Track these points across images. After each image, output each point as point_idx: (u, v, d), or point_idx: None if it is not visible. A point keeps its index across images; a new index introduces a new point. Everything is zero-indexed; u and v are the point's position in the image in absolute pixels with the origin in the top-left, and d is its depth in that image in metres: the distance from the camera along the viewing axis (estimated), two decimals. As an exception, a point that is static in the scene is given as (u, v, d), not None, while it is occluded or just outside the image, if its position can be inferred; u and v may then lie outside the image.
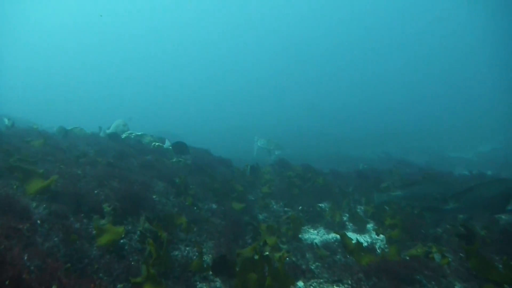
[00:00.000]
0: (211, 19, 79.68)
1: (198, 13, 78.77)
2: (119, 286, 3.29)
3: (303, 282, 4.28)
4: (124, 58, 78.45)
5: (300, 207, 7.52)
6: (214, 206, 6.84)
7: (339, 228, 7.13)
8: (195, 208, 6.08)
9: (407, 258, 4.42)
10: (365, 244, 6.05)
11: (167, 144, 9.15)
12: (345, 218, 7.35)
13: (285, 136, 32.19)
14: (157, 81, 76.61)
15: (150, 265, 3.21)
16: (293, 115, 46.89)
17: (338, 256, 5.20)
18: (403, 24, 65.57)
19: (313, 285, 4.24)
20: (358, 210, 7.80)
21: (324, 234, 6.99)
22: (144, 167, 6.99)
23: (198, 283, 3.88)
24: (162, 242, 3.79)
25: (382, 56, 67.93)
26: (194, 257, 4.36)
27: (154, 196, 5.84)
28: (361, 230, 6.97)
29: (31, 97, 57.39)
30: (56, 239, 3.49)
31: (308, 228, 7.16)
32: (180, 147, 8.51)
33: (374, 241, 6.30)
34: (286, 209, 8.05)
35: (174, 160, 8.24)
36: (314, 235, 6.98)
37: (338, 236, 6.56)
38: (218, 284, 3.93)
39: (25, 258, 2.55)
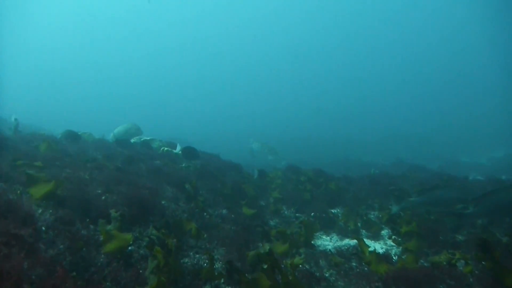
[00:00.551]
0: (217, 20, 79.55)
1: (204, 11, 78.55)
2: (126, 295, 3.15)
3: (318, 291, 4.11)
4: (128, 59, 78.36)
5: (312, 214, 7.32)
6: (224, 212, 6.70)
7: (353, 234, 6.94)
8: (205, 214, 5.93)
9: (427, 265, 4.22)
10: (380, 251, 5.87)
11: (178, 148, 9.03)
12: (358, 224, 7.14)
13: (294, 142, 32.08)
14: (164, 83, 76.42)
15: (158, 273, 3.07)
16: (300, 119, 46.64)
17: (353, 263, 5.01)
18: (412, 23, 64.87)
19: (329, 294, 4.07)
20: (372, 216, 7.60)
21: (337, 241, 6.81)
22: (153, 172, 6.87)
23: (209, 292, 3.73)
24: (171, 249, 3.65)
25: (390, 58, 67.35)
26: (205, 264, 4.21)
27: (163, 202, 5.71)
28: (375, 237, 6.76)
29: (34, 100, 57.38)
30: (61, 246, 3.36)
31: (321, 234, 6.98)
32: (190, 152, 8.40)
33: (389, 248, 6.10)
34: (297, 214, 7.88)
35: (184, 165, 8.12)
36: (327, 241, 6.79)
37: (352, 243, 6.39)
38: (230, 293, 3.78)
39: (26, 266, 2.41)
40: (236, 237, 5.05)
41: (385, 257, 4.92)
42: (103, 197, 4.79)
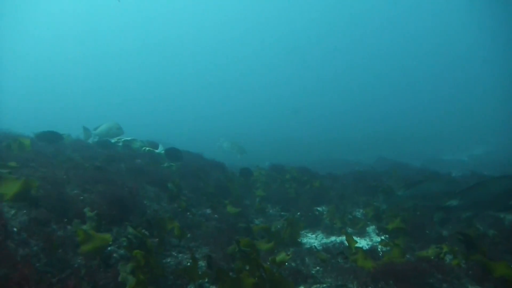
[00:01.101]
0: (199, 19, 78.79)
1: (195, 17, 77.91)
2: (105, 297, 2.99)
3: (305, 288, 4.01)
4: (106, 57, 76.68)
5: (299, 213, 7.24)
6: (208, 211, 6.56)
7: (339, 231, 6.89)
8: (188, 213, 5.78)
9: (414, 260, 4.18)
10: (366, 247, 5.83)
11: (160, 149, 8.82)
12: (344, 221, 7.09)
13: (277, 142, 32.11)
14: (145, 82, 75.16)
15: (138, 273, 2.91)
16: (282, 119, 46.69)
17: (340, 260, 4.94)
18: (394, 27, 65.75)
19: (316, 291, 3.97)
20: (357, 213, 7.58)
21: (323, 238, 6.76)
22: (134, 172, 6.68)
23: (192, 292, 3.59)
24: (150, 249, 3.50)
25: (371, 57, 67.88)
26: (188, 263, 4.07)
27: (145, 202, 5.54)
28: (361, 233, 6.73)
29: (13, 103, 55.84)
30: (35, 247, 3.18)
31: (306, 232, 6.92)
32: (173, 153, 8.21)
33: (375, 244, 6.06)
34: (283, 213, 7.80)
35: (166, 165, 7.94)
36: (313, 239, 6.74)
37: (338, 240, 6.35)
38: (214, 292, 3.65)
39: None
40: (220, 236, 4.92)
41: (371, 253, 4.85)
42: (81, 197, 4.59)
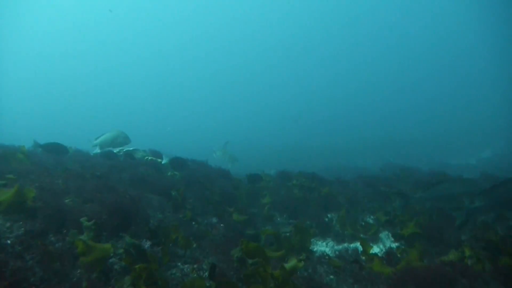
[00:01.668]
0: (201, 24, 78.38)
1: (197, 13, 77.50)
2: (105, 312, 2.76)
3: (320, 297, 3.76)
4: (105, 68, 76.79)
5: (308, 222, 6.99)
6: (214, 220, 6.33)
7: (350, 238, 6.64)
8: (193, 223, 5.55)
9: (435, 264, 3.91)
10: (380, 253, 5.57)
11: (164, 160, 8.58)
12: (355, 228, 6.83)
13: (282, 150, 31.84)
14: (145, 90, 74.65)
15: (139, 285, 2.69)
16: (287, 126, 46.30)
17: (354, 267, 4.69)
18: (395, 29, 65.32)
19: (332, 301, 3.72)
20: (368, 219, 7.32)
21: (334, 245, 6.51)
22: (137, 181, 6.48)
23: (199, 305, 3.34)
24: (150, 260, 3.27)
25: (375, 62, 67.30)
26: (195, 275, 3.83)
27: (148, 211, 5.33)
28: (374, 239, 6.46)
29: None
30: (30, 261, 2.97)
31: (316, 240, 6.66)
32: (178, 163, 8.01)
33: (389, 250, 5.80)
34: (291, 221, 7.55)
35: (169, 173, 7.73)
36: (323, 247, 6.49)
37: (351, 246, 6.09)
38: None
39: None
40: (227, 244, 4.67)
41: (387, 259, 4.60)
42: (82, 208, 4.39)
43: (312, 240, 6.43)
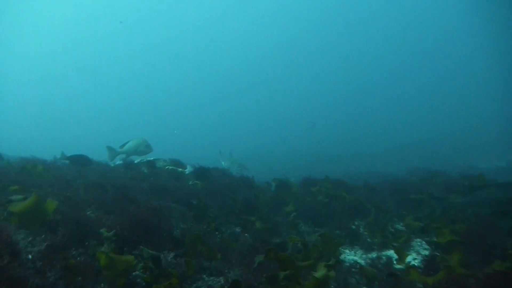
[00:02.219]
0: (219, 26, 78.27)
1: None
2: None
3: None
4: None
5: (338, 232, 6.73)
6: (238, 229, 6.14)
7: (379, 247, 6.34)
8: (217, 233, 5.37)
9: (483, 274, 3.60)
10: (414, 262, 5.28)
11: (188, 169, 8.42)
12: (385, 235, 6.52)
13: (301, 157, 31.53)
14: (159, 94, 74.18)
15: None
16: (304, 132, 45.79)
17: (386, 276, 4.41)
18: (417, 27, 63.68)
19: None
20: (398, 226, 7.00)
21: (362, 255, 6.23)
22: (158, 191, 6.36)
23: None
24: (172, 275, 3.10)
25: (391, 65, 65.95)
26: (220, 288, 3.64)
27: (171, 221, 5.19)
28: (405, 248, 6.14)
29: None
30: (52, 277, 2.83)
31: (343, 248, 6.39)
32: (202, 173, 7.89)
33: (423, 259, 5.49)
34: (316, 228, 7.30)
35: (191, 182, 7.60)
36: (352, 255, 6.21)
37: (383, 254, 5.81)
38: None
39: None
40: (254, 255, 4.46)
41: (427, 268, 4.31)
42: (103, 220, 4.26)
43: (339, 249, 6.19)
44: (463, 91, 52.91)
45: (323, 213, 7.53)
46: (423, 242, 6.06)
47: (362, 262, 5.52)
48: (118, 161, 9.33)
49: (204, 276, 3.89)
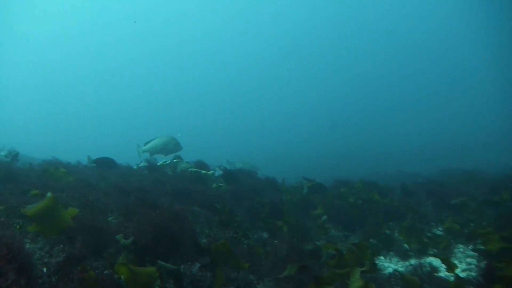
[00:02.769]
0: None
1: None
2: None
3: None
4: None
5: (373, 241, 6.32)
6: (265, 235, 5.82)
7: (417, 253, 5.92)
8: (243, 239, 5.06)
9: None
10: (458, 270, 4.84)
11: (217, 172, 8.14)
12: (422, 241, 6.08)
13: (325, 155, 31.02)
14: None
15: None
16: (325, 132, 45.01)
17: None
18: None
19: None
20: (436, 231, 6.55)
21: (399, 262, 5.82)
22: (181, 194, 6.11)
23: None
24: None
25: (416, 62, 64.18)
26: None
27: (195, 227, 4.92)
28: (447, 255, 5.70)
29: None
30: (68, 292, 2.58)
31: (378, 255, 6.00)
32: (230, 177, 7.67)
33: (469, 267, 5.05)
34: (346, 233, 6.92)
35: (215, 185, 7.33)
36: (387, 262, 5.82)
37: (420, 262, 5.39)
38: None
39: None
40: (285, 264, 4.13)
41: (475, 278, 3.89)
42: (124, 226, 4.01)
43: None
44: (487, 89, 50.77)
45: (354, 216, 7.14)
46: (467, 249, 5.60)
47: (402, 270, 5.11)
48: (143, 163, 9.04)
49: (232, 288, 3.59)
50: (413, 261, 5.68)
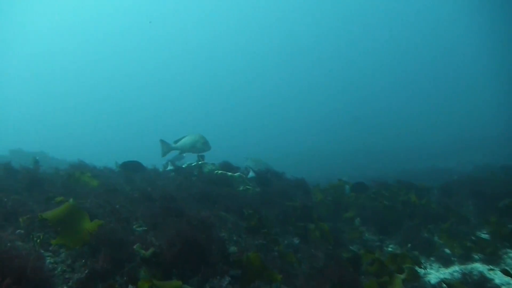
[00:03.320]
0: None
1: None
2: None
3: None
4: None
5: (409, 245, 5.94)
6: (296, 240, 5.52)
7: (461, 259, 5.50)
8: (274, 247, 4.78)
9: None
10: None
11: (250, 174, 7.87)
12: (465, 246, 5.64)
13: (349, 152, 30.41)
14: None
15: None
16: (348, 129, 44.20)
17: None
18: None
19: None
20: (481, 234, 6.08)
21: (440, 268, 5.43)
22: (208, 198, 5.90)
23: None
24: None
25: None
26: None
27: (222, 234, 4.68)
28: (494, 261, 5.26)
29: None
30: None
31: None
32: (263, 181, 7.43)
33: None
34: (381, 236, 6.54)
35: (242, 188, 7.07)
36: (428, 269, 5.43)
37: (465, 269, 4.99)
38: None
39: None
40: (321, 276, 3.82)
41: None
42: (148, 237, 3.81)
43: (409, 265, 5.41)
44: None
45: (388, 219, 6.75)
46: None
47: (447, 277, 4.74)
48: (169, 167, 8.75)
49: (266, 305, 3.32)
50: (456, 268, 5.28)
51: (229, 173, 7.44)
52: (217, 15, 76.58)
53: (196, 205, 5.78)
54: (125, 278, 2.91)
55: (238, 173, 7.57)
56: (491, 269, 4.84)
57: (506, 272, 3.70)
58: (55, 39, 71.07)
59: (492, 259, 5.28)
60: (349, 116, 50.36)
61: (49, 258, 3.06)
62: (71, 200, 3.70)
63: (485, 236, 5.92)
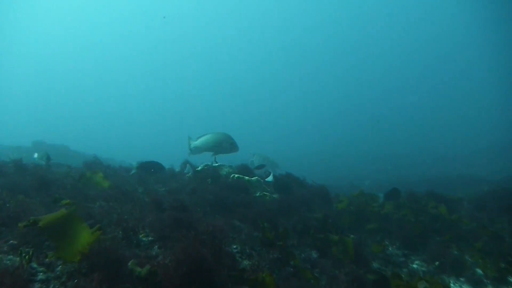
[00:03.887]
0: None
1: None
2: None
3: None
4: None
5: (437, 263, 5.49)
6: (314, 254, 5.15)
7: (496, 282, 5.02)
8: (291, 262, 4.43)
9: None
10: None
11: (270, 178, 7.50)
12: (500, 266, 5.16)
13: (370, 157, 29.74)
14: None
15: None
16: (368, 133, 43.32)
17: None
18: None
19: None
20: (518, 255, 5.56)
21: (473, 291, 4.98)
22: (222, 205, 5.60)
23: None
24: None
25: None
26: None
27: (234, 246, 4.37)
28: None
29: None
30: None
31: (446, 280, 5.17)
32: (282, 187, 7.06)
33: None
34: (406, 251, 6.10)
35: (258, 194, 6.73)
36: (460, 292, 5.00)
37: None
38: None
39: None
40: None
41: None
42: (153, 250, 3.52)
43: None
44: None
45: (414, 233, 6.29)
46: None
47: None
48: (187, 169, 8.30)
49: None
50: (490, 291, 4.82)
51: (246, 178, 7.11)
52: (225, 17, 77.45)
53: (210, 212, 5.49)
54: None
55: (256, 178, 7.22)
56: None
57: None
58: (87, 33, 72.63)
59: (531, 285, 4.81)
60: (368, 118, 49.46)
61: (41, 274, 2.81)
62: (73, 205, 3.46)
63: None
